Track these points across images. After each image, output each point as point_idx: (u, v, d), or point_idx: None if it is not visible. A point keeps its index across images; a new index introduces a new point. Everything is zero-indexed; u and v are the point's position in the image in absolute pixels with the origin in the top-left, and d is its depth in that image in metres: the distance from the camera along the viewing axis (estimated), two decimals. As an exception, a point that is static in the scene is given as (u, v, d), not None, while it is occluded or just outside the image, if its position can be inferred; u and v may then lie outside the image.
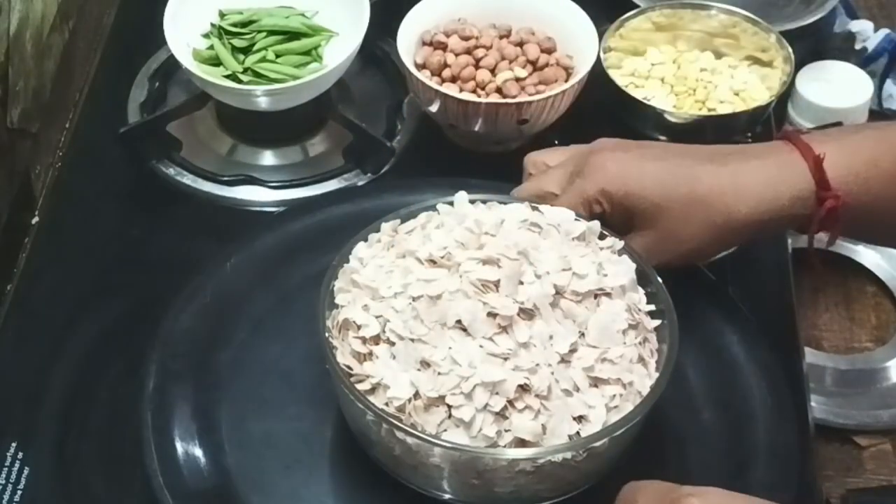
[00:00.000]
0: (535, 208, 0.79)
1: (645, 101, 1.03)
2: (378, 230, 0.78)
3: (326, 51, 1.06)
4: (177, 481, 0.76)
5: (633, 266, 0.76)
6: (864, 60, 1.34)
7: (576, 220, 0.78)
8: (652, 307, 0.75)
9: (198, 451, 0.78)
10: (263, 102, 1.01)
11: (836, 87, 1.27)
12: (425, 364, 0.70)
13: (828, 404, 1.18)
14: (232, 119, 1.05)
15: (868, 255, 1.30)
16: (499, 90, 1.01)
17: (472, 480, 0.71)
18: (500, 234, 0.75)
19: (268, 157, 1.05)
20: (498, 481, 0.70)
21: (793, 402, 0.82)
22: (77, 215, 1.01)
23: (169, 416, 0.79)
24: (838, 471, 1.14)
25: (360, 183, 1.02)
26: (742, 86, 1.04)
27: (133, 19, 1.16)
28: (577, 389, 0.70)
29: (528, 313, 0.71)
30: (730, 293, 0.88)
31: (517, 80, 1.01)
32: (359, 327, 0.72)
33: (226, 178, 1.02)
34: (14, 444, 0.83)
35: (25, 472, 0.82)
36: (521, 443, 0.69)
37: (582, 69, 0.99)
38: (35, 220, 1.01)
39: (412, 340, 0.70)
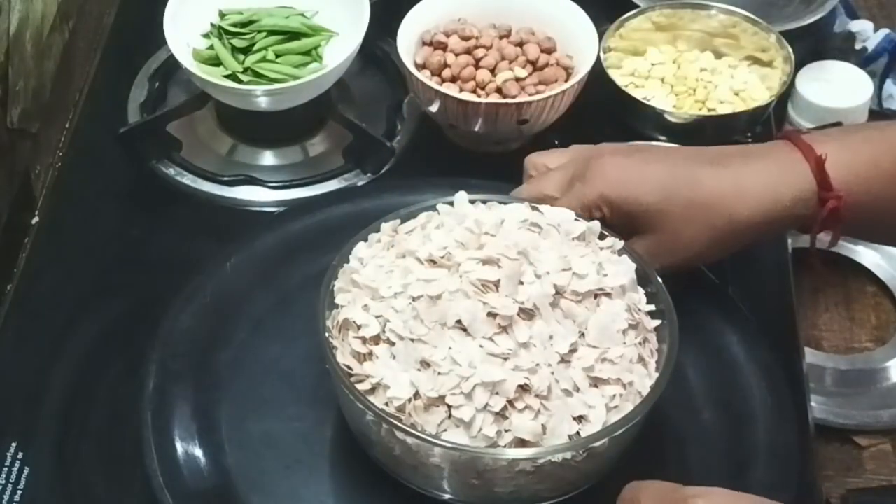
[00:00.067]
0: (535, 208, 0.79)
1: (645, 101, 1.03)
2: (378, 230, 0.78)
3: (326, 51, 1.06)
4: (177, 481, 0.76)
5: (633, 266, 0.76)
6: (864, 60, 1.34)
7: (576, 220, 0.78)
8: (652, 307, 0.75)
9: (198, 451, 0.78)
10: (263, 102, 1.01)
11: (836, 87, 1.27)
12: (425, 364, 0.70)
13: (828, 404, 1.18)
14: (232, 119, 1.05)
15: (868, 255, 1.30)
16: (499, 90, 1.01)
17: (472, 480, 0.71)
18: (500, 234, 0.75)
19: (268, 157, 1.05)
20: (498, 481, 0.70)
21: (793, 402, 0.82)
22: (77, 215, 1.01)
23: (169, 416, 0.79)
24: (838, 471, 1.14)
25: (360, 183, 1.02)
26: (742, 86, 1.04)
27: (133, 19, 1.17)
28: (577, 389, 0.70)
29: (528, 313, 0.71)
30: (730, 293, 0.88)
31: (517, 80, 1.01)
32: (359, 327, 0.72)
33: (226, 178, 1.02)
34: (14, 444, 0.83)
35: (25, 472, 0.82)
36: (521, 443, 0.69)
37: (582, 69, 0.99)
38: (35, 220, 1.01)
39: (412, 340, 0.70)
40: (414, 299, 0.71)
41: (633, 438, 0.72)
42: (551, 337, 0.71)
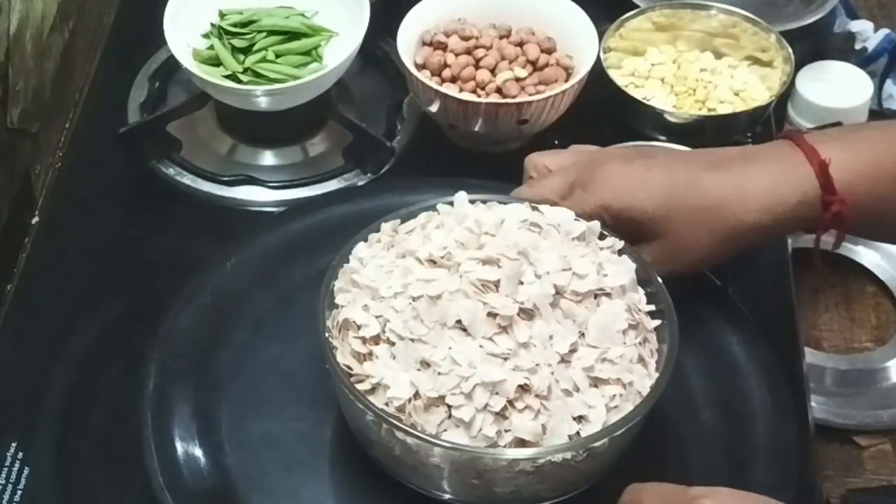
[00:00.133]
0: (535, 208, 0.79)
1: (645, 101, 1.03)
2: (378, 230, 0.78)
3: (326, 51, 1.06)
4: (177, 481, 0.76)
5: (633, 266, 0.76)
6: (864, 60, 1.35)
7: (576, 220, 0.78)
8: (652, 307, 0.75)
9: (198, 451, 0.78)
10: (263, 102, 1.01)
11: (836, 87, 1.27)
12: (425, 364, 0.70)
13: (828, 404, 1.18)
14: (232, 119, 1.05)
15: (868, 255, 1.30)
16: (499, 90, 1.01)
17: (472, 480, 0.71)
18: (500, 234, 0.75)
19: (268, 157, 1.05)
20: (498, 481, 0.70)
21: (793, 402, 0.82)
22: (77, 215, 1.01)
23: (169, 416, 0.79)
24: (838, 471, 1.14)
25: (360, 183, 1.02)
26: (742, 86, 1.04)
27: (133, 19, 1.17)
28: (577, 389, 0.70)
29: (528, 313, 0.71)
30: (730, 293, 0.88)
31: (517, 80, 1.01)
32: (359, 327, 0.72)
33: (226, 178, 1.02)
34: (14, 444, 0.83)
35: (25, 472, 0.82)
36: (521, 443, 0.69)
37: (582, 69, 0.99)
38: (35, 220, 1.01)
39: (412, 340, 0.70)
40: (414, 299, 0.71)
41: (633, 438, 0.72)
42: (551, 337, 0.71)
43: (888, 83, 1.38)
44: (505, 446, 0.68)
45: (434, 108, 0.99)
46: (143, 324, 0.86)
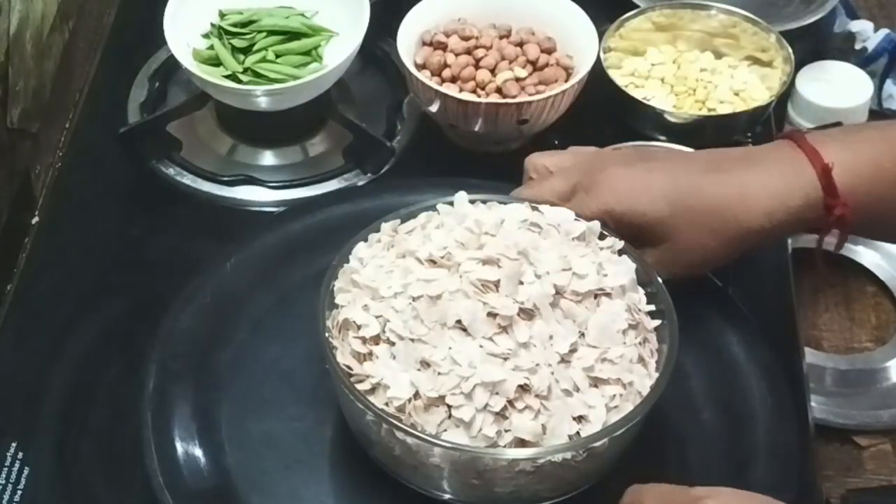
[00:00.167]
0: (535, 208, 0.79)
1: (645, 101, 1.03)
2: (378, 230, 0.78)
3: (326, 51, 1.06)
4: (177, 481, 0.76)
5: (633, 266, 0.76)
6: (864, 60, 1.35)
7: (576, 220, 0.78)
8: (652, 307, 0.75)
9: (198, 451, 0.78)
10: (263, 102, 1.01)
11: (836, 87, 1.27)
12: (425, 364, 0.70)
13: (828, 404, 1.18)
14: (232, 119, 1.05)
15: (868, 255, 1.30)
16: (499, 90, 1.00)
17: (472, 480, 0.71)
18: (500, 234, 0.75)
19: (268, 157, 1.05)
20: (498, 481, 0.70)
21: (793, 402, 0.82)
22: (77, 215, 1.01)
23: (169, 416, 0.79)
24: (838, 471, 1.14)
25: (360, 183, 1.02)
26: (742, 86, 1.04)
27: (133, 19, 1.17)
28: (577, 389, 0.70)
29: (528, 313, 0.71)
30: (730, 293, 0.88)
31: (517, 80, 1.01)
32: (359, 327, 0.72)
33: (226, 178, 1.02)
34: (14, 444, 0.83)
35: (25, 472, 0.82)
36: (521, 443, 0.69)
37: (582, 69, 0.99)
38: (35, 220, 1.01)
39: (412, 340, 0.70)
40: (414, 299, 0.71)
41: (633, 438, 0.72)
42: (551, 337, 0.71)
43: (888, 83, 1.38)
44: (505, 446, 0.68)
45: (434, 108, 0.99)
46: (143, 324, 0.86)
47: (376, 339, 0.72)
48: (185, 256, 0.94)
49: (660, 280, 0.77)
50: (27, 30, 1.07)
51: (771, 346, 0.84)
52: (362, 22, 1.02)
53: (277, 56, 1.04)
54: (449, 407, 0.69)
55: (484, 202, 0.79)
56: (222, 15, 1.06)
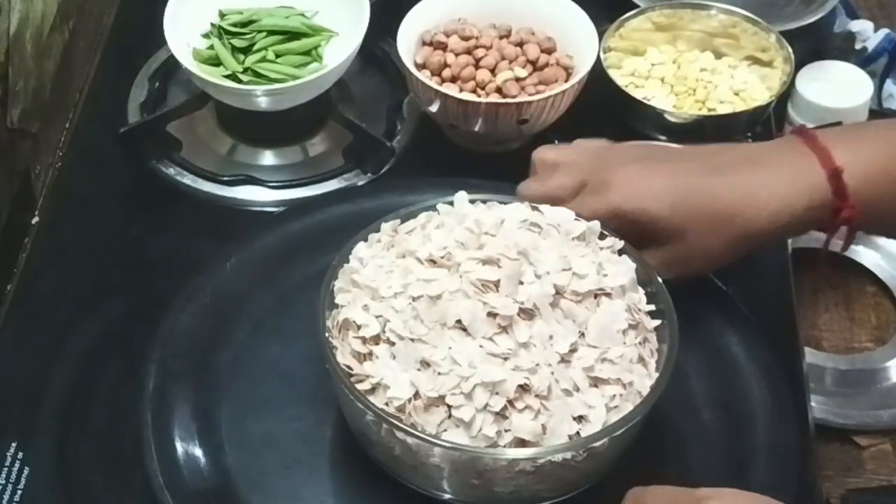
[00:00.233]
0: (535, 208, 0.79)
1: (645, 101, 1.03)
2: (378, 230, 0.78)
3: (326, 51, 1.06)
4: (177, 481, 0.76)
5: (633, 266, 0.76)
6: (864, 60, 1.34)
7: (576, 220, 0.78)
8: (652, 307, 0.75)
9: (198, 451, 0.78)
10: (263, 102, 1.01)
11: (836, 87, 1.27)
12: (425, 364, 0.70)
13: (828, 404, 1.18)
14: (232, 119, 1.05)
15: (868, 255, 1.30)
16: (499, 90, 1.00)
17: (472, 480, 0.71)
18: (500, 234, 0.75)
19: (268, 157, 1.05)
20: (498, 481, 0.70)
21: (793, 402, 0.82)
22: (77, 215, 1.01)
23: (169, 416, 0.79)
24: (838, 471, 1.14)
25: (360, 183, 1.02)
26: (742, 86, 1.04)
27: (133, 19, 1.17)
28: (577, 389, 0.70)
29: (528, 313, 0.71)
30: (730, 293, 0.88)
31: (517, 80, 1.00)
32: (359, 327, 0.72)
33: (226, 178, 1.02)
34: (14, 444, 0.83)
35: (25, 472, 0.82)
36: (521, 443, 0.69)
37: (582, 69, 0.99)
38: (35, 220, 1.01)
39: (412, 340, 0.70)
40: (414, 299, 0.71)
41: (633, 438, 0.72)
42: (551, 337, 0.71)
43: (888, 83, 1.38)
44: (505, 446, 0.68)
45: (434, 108, 0.99)
46: (143, 324, 0.86)
47: (376, 339, 0.72)
48: (185, 256, 0.94)
49: (660, 280, 0.77)
50: (27, 30, 1.07)
51: (771, 346, 0.84)
52: (362, 22, 1.02)
53: (277, 56, 1.04)
54: (449, 407, 0.69)
55: (484, 202, 0.79)
56: (222, 15, 1.06)
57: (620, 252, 0.78)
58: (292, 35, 1.05)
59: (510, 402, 0.68)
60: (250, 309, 0.86)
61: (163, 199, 1.02)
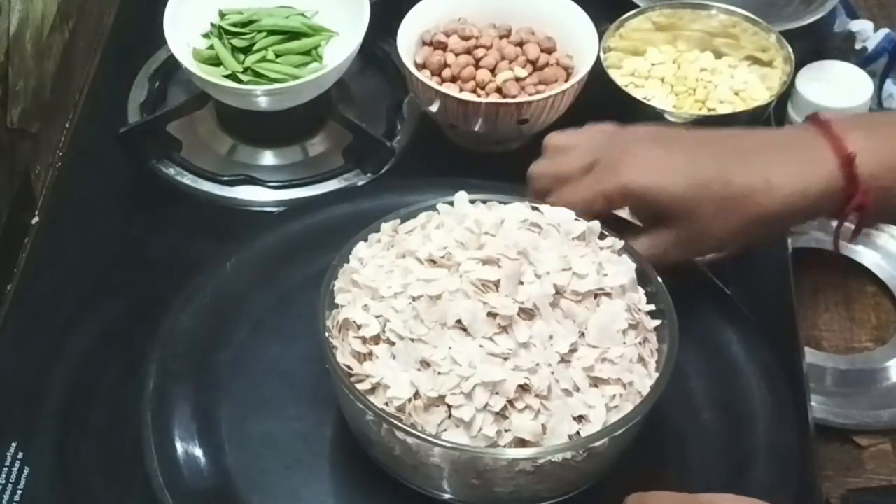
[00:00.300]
0: (535, 208, 0.79)
1: (645, 101, 1.03)
2: (378, 230, 0.78)
3: (326, 51, 1.06)
4: (177, 481, 0.76)
5: (633, 266, 0.76)
6: (864, 60, 1.34)
7: (576, 220, 0.78)
8: (652, 307, 0.75)
9: (198, 451, 0.78)
10: (263, 102, 1.01)
11: (836, 87, 1.27)
12: (425, 364, 0.70)
13: (828, 404, 1.18)
14: (232, 119, 1.05)
15: (868, 255, 1.30)
16: (499, 90, 1.00)
17: (472, 480, 0.71)
18: (500, 234, 0.75)
19: (268, 157, 1.05)
20: (498, 481, 0.70)
21: (793, 402, 0.82)
22: (77, 215, 1.01)
23: (169, 416, 0.79)
24: (838, 471, 1.14)
25: (360, 183, 1.02)
26: (742, 86, 1.04)
27: (133, 19, 1.17)
28: (577, 389, 0.70)
29: (528, 313, 0.71)
30: (730, 293, 0.88)
31: (517, 80, 1.01)
32: (359, 327, 0.72)
33: (226, 178, 1.02)
34: (14, 444, 0.83)
35: (25, 472, 0.82)
36: (521, 443, 0.69)
37: (582, 69, 0.99)
38: (35, 220, 1.01)
39: (412, 340, 0.70)
40: (414, 299, 0.71)
41: (633, 438, 0.72)
42: (551, 337, 0.71)
43: (888, 83, 1.38)
44: (505, 446, 0.68)
45: (434, 108, 0.99)
46: (143, 324, 0.86)
47: (376, 339, 0.72)
48: (185, 256, 0.94)
49: (660, 280, 0.77)
50: (27, 30, 1.07)
51: (771, 346, 0.84)
52: (362, 22, 1.02)
53: (277, 56, 1.04)
54: (449, 407, 0.69)
55: (484, 202, 0.79)
56: (222, 15, 1.07)
57: (620, 252, 0.78)
58: (292, 35, 1.05)
59: (510, 402, 0.68)
60: (250, 309, 0.86)
61: (163, 199, 1.02)
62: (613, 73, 1.05)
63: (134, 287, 0.94)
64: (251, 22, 1.06)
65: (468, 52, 1.02)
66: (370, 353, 0.71)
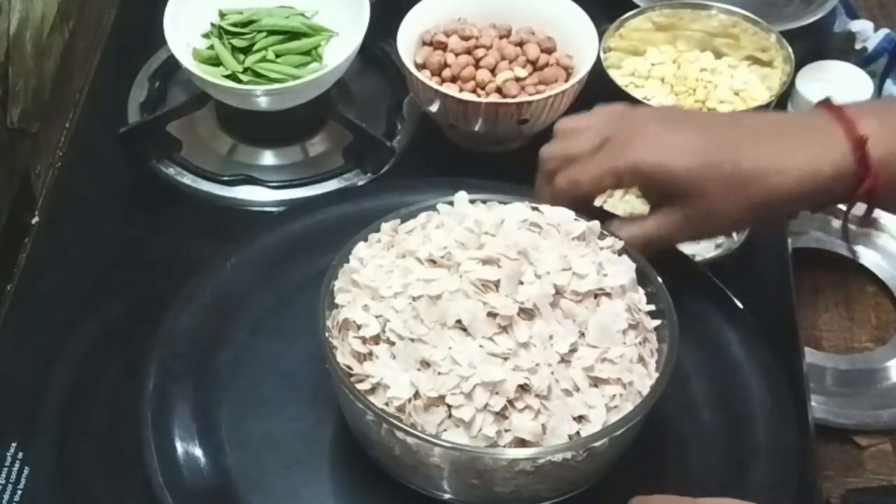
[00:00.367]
0: (535, 208, 0.79)
1: (645, 101, 1.03)
2: (378, 230, 0.78)
3: (326, 51, 1.06)
4: (177, 481, 0.76)
5: (633, 266, 0.76)
6: (864, 60, 1.34)
7: (575, 220, 0.78)
8: (652, 307, 0.75)
9: (198, 451, 0.78)
10: (263, 102, 1.01)
11: (836, 87, 1.26)
12: (425, 364, 0.70)
13: (828, 404, 1.18)
14: (232, 119, 1.05)
15: (868, 255, 1.30)
16: (499, 90, 1.01)
17: (472, 480, 0.71)
18: (500, 234, 0.75)
19: (268, 157, 1.05)
20: (498, 481, 0.70)
21: (793, 402, 0.82)
22: (77, 215, 1.01)
23: (169, 416, 0.79)
24: (838, 471, 1.14)
25: (360, 183, 1.02)
26: (742, 86, 1.04)
27: (133, 19, 1.17)
28: (577, 389, 0.70)
29: (528, 313, 0.71)
30: (730, 293, 0.88)
31: (517, 80, 1.01)
32: (359, 327, 0.72)
33: (226, 178, 1.02)
34: (14, 444, 0.83)
35: (25, 472, 0.82)
36: (521, 443, 0.69)
37: (582, 69, 0.99)
38: (35, 220, 1.01)
39: (412, 340, 0.70)
40: (414, 299, 0.71)
41: (633, 438, 0.72)
42: (551, 337, 0.71)
43: (888, 83, 1.38)
44: (505, 446, 0.68)
45: (434, 108, 0.99)
46: (143, 324, 0.86)
47: (376, 339, 0.72)
48: (185, 256, 0.94)
49: (660, 280, 0.76)
50: (27, 30, 1.07)
51: (771, 346, 0.84)
52: (362, 22, 1.02)
53: (277, 56, 1.04)
54: (449, 407, 0.69)
55: (484, 202, 0.79)
56: (222, 15, 1.07)
57: (620, 252, 0.78)
58: (292, 35, 1.05)
59: (510, 401, 0.68)
60: (250, 309, 0.86)
61: (163, 199, 1.02)
62: (613, 73, 1.05)
63: (134, 287, 0.94)
64: (251, 22, 1.06)
65: (468, 52, 1.02)
66: (370, 353, 0.71)
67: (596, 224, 0.78)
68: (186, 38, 1.04)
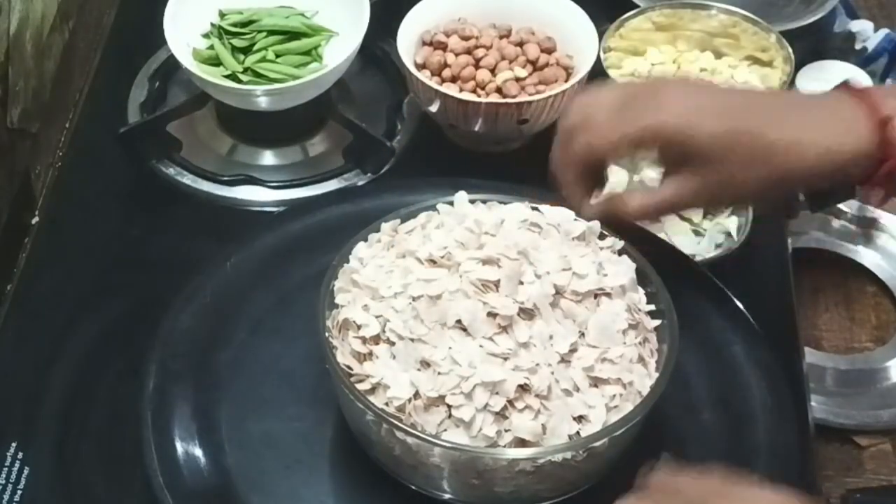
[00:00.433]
0: (534, 208, 0.79)
1: (645, 101, 1.03)
2: (378, 230, 0.78)
3: (326, 51, 1.06)
4: (177, 481, 0.76)
5: (633, 266, 0.76)
6: (864, 60, 1.34)
7: (575, 220, 0.78)
8: (652, 307, 0.75)
9: (198, 451, 0.78)
10: (263, 102, 1.01)
11: (837, 87, 1.27)
12: (425, 364, 0.70)
13: (828, 404, 1.18)
14: (232, 119, 1.05)
15: (868, 255, 1.30)
16: (499, 90, 1.00)
17: (472, 480, 0.71)
18: (500, 234, 0.75)
19: (268, 157, 1.05)
20: (498, 481, 0.70)
21: (793, 402, 0.82)
22: (77, 215, 1.01)
23: (169, 416, 0.79)
24: (838, 471, 1.14)
25: (360, 183, 1.02)
26: (742, 86, 1.04)
27: (133, 19, 1.17)
28: (577, 389, 0.70)
29: (528, 313, 0.71)
30: (730, 293, 0.88)
31: (517, 80, 1.01)
32: (359, 327, 0.72)
33: (226, 178, 1.02)
34: (14, 444, 0.83)
35: (25, 472, 0.82)
36: (521, 443, 0.69)
37: (582, 69, 0.99)
38: (35, 220, 1.01)
39: (412, 340, 0.70)
40: (414, 299, 0.71)
41: (633, 438, 0.72)
42: (551, 337, 0.71)
43: (888, 83, 1.38)
44: (505, 446, 0.68)
45: (434, 108, 0.99)
46: (143, 324, 0.86)
47: (376, 339, 0.72)
48: (185, 256, 0.94)
49: (660, 280, 0.76)
50: (27, 30, 1.07)
51: (771, 346, 0.84)
52: (362, 22, 1.02)
53: (277, 56, 1.04)
54: (449, 407, 0.69)
55: (484, 202, 0.79)
56: (222, 15, 1.07)
57: (620, 252, 0.78)
58: (292, 35, 1.05)
59: (510, 401, 0.68)
60: (250, 309, 0.86)
61: (163, 199, 1.02)
62: (613, 73, 1.05)
63: (134, 287, 0.94)
64: (251, 22, 1.06)
65: (468, 52, 1.02)
66: (370, 353, 0.71)
67: (596, 224, 0.78)
68: (186, 38, 1.04)
